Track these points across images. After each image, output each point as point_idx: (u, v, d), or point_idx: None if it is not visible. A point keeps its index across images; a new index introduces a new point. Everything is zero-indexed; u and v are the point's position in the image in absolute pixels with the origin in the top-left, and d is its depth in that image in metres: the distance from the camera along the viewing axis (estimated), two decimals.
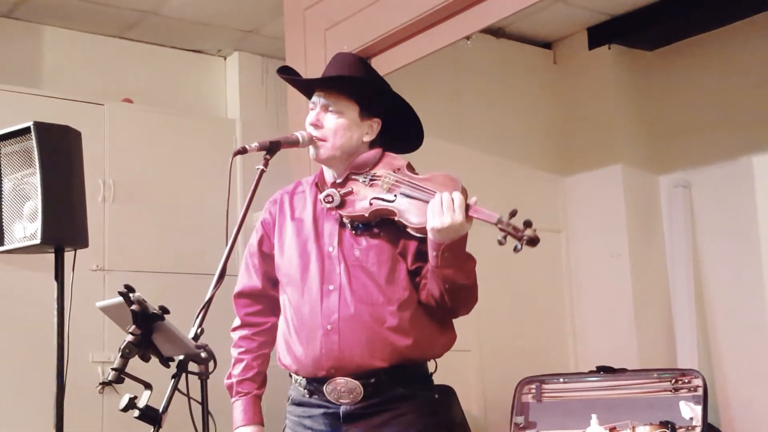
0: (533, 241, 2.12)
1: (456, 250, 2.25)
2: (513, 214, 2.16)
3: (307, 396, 2.45)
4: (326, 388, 2.40)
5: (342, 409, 2.39)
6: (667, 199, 5.71)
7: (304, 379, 2.46)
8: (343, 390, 2.39)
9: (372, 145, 2.53)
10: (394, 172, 2.40)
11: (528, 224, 2.13)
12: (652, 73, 5.85)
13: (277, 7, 5.21)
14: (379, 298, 2.38)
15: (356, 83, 2.49)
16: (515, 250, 2.14)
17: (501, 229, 2.15)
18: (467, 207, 2.21)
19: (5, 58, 5.39)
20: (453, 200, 2.20)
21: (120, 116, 5.43)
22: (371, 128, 2.50)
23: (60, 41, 5.60)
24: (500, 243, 2.14)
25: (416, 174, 2.40)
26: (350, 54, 2.61)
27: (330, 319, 2.39)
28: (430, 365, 2.50)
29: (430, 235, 2.25)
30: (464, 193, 2.25)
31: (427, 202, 2.26)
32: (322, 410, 2.43)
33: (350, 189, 2.42)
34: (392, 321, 2.37)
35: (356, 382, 2.37)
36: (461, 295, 2.36)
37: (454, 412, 4.91)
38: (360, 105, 2.47)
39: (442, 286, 2.32)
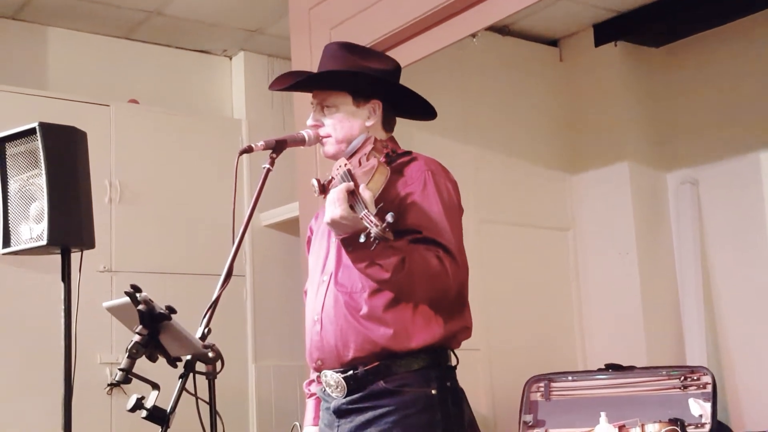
0: (384, 237, 1.97)
1: (355, 244, 2.10)
2: (382, 210, 2.02)
3: (322, 390, 2.44)
4: (323, 381, 2.38)
5: (333, 403, 2.35)
6: (674, 196, 5.69)
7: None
8: (332, 383, 2.33)
9: (386, 125, 2.48)
10: (351, 160, 2.25)
11: (388, 223, 1.98)
12: (658, 70, 5.82)
13: (283, 7, 5.20)
14: (357, 285, 2.29)
15: (332, 77, 2.43)
16: (367, 235, 2.00)
17: (363, 220, 2.02)
18: (354, 199, 2.06)
19: (11, 60, 5.40)
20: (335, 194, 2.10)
21: (126, 117, 5.43)
22: (372, 111, 2.44)
23: (65, 42, 5.60)
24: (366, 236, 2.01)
25: (381, 159, 2.22)
26: (334, 44, 2.51)
27: (317, 310, 2.37)
28: (436, 357, 2.29)
29: None
30: (378, 182, 2.12)
31: None
32: (326, 404, 2.41)
33: (331, 177, 2.28)
34: (364, 309, 2.26)
35: (338, 375, 2.31)
36: (393, 289, 2.21)
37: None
38: (351, 93, 2.43)
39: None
